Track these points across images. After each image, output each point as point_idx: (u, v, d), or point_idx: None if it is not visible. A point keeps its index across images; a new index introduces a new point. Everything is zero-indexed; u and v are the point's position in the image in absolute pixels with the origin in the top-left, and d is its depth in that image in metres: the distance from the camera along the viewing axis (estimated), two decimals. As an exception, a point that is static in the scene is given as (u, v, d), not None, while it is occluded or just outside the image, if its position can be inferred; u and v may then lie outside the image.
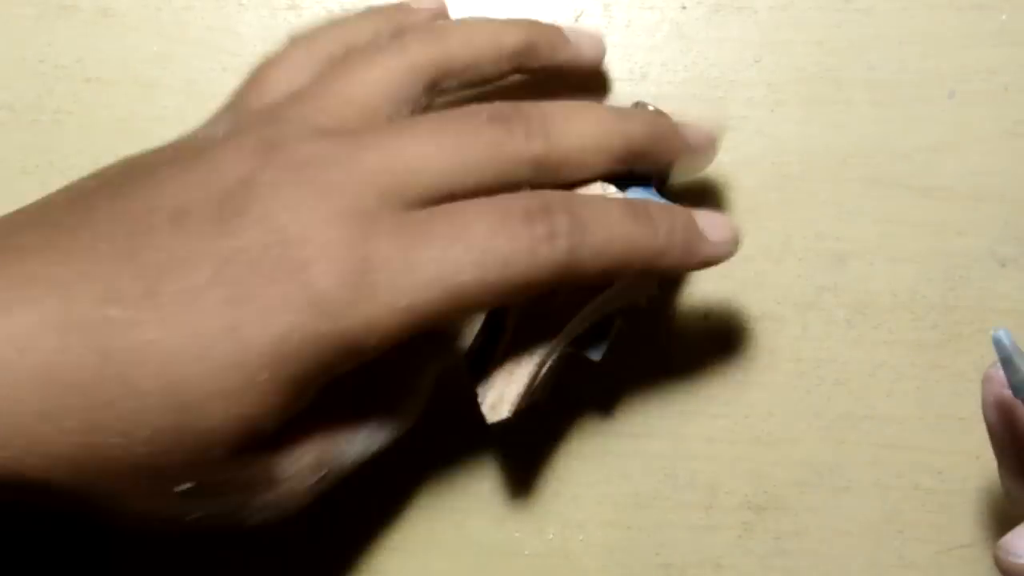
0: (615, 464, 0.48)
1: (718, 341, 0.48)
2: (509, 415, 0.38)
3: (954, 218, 0.48)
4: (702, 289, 0.48)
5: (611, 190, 0.39)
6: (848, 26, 0.49)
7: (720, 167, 0.49)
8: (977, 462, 0.47)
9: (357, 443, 0.40)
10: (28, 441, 0.31)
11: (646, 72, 0.50)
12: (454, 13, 0.48)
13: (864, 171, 0.49)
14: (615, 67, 0.50)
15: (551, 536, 0.47)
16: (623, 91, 0.49)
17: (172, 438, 0.33)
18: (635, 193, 0.40)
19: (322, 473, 0.38)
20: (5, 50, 0.50)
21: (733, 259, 0.41)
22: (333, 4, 0.50)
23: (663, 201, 0.40)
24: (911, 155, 0.49)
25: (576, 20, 0.50)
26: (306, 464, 0.38)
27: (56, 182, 0.50)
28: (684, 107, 0.49)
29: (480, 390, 0.39)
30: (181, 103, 0.49)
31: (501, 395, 0.38)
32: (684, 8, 0.50)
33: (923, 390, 0.48)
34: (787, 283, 0.48)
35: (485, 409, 0.38)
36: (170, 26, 0.50)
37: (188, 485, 0.34)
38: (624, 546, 0.47)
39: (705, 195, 0.49)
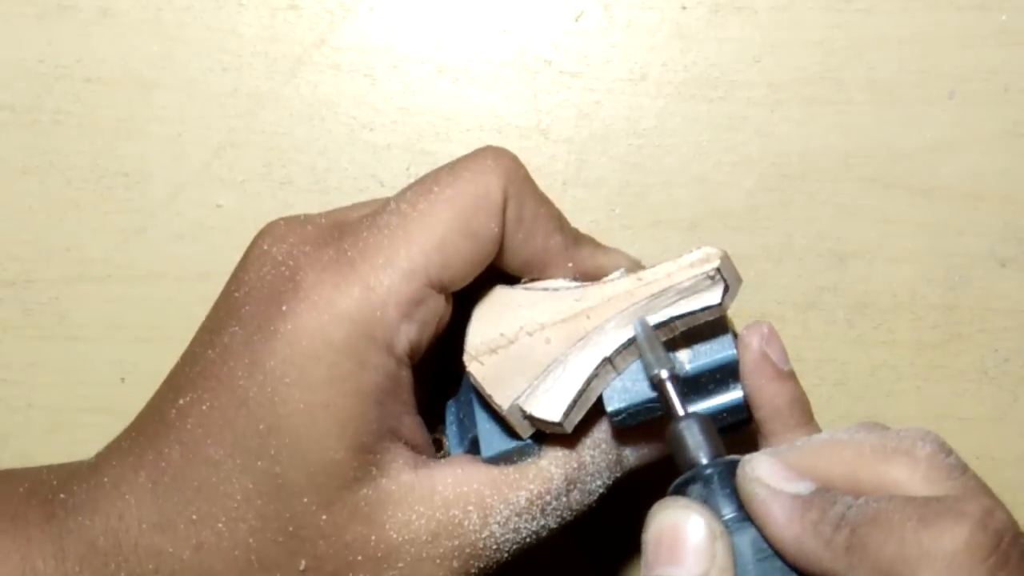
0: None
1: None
2: (562, 419, 0.36)
3: (954, 218, 0.48)
4: (702, 289, 0.48)
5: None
6: (848, 26, 0.49)
7: (720, 167, 0.49)
8: (977, 461, 0.47)
9: (492, 518, 0.36)
10: None
11: (646, 72, 0.50)
12: (452, 12, 0.48)
13: (864, 171, 0.49)
14: (615, 67, 0.50)
15: None
16: (623, 91, 0.49)
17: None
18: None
19: (445, 543, 0.35)
20: (5, 50, 0.50)
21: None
22: (333, 4, 0.50)
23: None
24: (911, 155, 0.49)
25: (576, 20, 0.50)
26: (422, 529, 0.35)
27: (56, 182, 0.50)
28: (684, 107, 0.49)
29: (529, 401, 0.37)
30: (181, 103, 0.49)
31: (555, 400, 0.37)
32: (684, 8, 0.50)
33: (923, 390, 0.48)
34: (787, 283, 0.48)
35: (539, 412, 0.36)
36: (170, 26, 0.50)
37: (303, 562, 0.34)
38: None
39: (706, 195, 0.49)
